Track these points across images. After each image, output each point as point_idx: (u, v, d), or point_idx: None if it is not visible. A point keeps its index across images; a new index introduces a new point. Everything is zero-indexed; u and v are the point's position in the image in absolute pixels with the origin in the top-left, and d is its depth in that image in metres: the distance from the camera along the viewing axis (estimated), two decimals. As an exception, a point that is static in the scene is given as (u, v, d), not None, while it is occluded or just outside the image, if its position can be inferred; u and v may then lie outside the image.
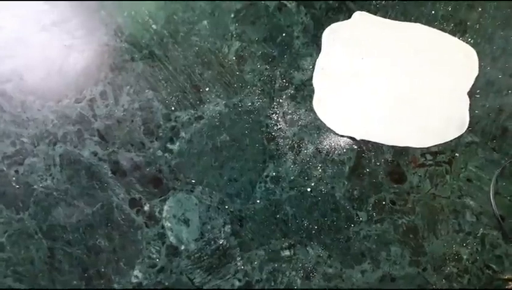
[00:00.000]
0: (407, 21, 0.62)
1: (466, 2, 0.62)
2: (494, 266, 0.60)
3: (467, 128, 0.61)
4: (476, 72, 0.62)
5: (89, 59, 0.59)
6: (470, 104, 0.61)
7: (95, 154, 0.59)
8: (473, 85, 0.61)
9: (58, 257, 0.58)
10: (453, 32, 0.62)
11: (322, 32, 0.61)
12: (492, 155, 0.61)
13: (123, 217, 0.59)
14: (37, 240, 0.58)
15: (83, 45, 0.59)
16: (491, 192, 0.60)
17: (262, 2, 0.62)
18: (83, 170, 0.58)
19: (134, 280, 0.58)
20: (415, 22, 0.62)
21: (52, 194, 0.58)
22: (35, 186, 0.58)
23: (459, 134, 0.61)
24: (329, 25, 0.61)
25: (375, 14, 0.62)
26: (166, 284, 0.58)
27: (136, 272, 0.58)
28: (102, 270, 0.58)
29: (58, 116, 0.59)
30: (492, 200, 0.60)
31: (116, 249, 0.58)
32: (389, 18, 0.62)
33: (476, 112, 0.61)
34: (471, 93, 0.61)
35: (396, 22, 0.62)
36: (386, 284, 0.59)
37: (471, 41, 0.62)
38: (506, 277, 0.60)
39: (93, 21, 0.60)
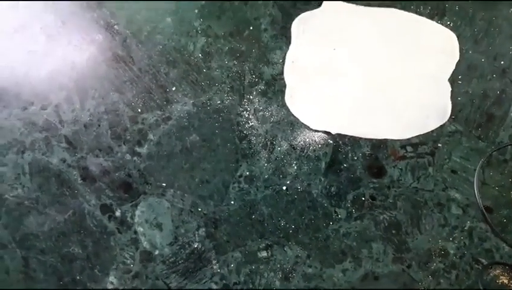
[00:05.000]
0: (380, 6, 0.59)
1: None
2: (483, 261, 0.57)
3: (450, 117, 0.58)
4: (456, 57, 0.58)
5: (52, 64, 0.58)
6: (452, 91, 0.58)
7: (64, 160, 0.58)
8: (454, 71, 0.58)
9: (32, 266, 0.58)
10: (430, 16, 0.59)
11: (291, 24, 0.59)
12: (477, 144, 0.58)
13: (95, 223, 0.58)
14: (10, 249, 0.58)
15: (45, 50, 0.58)
16: (475, 183, 0.57)
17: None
18: (52, 177, 0.58)
19: (109, 287, 0.57)
20: (389, 7, 0.59)
21: (23, 203, 0.58)
22: (6, 196, 0.58)
23: (441, 123, 0.58)
24: (298, 15, 0.59)
25: (347, 1, 0.59)
26: (143, 289, 0.57)
27: (111, 279, 0.58)
28: (77, 277, 0.58)
29: (25, 123, 0.58)
30: (476, 191, 0.57)
31: (90, 256, 0.58)
32: (361, 4, 0.59)
33: (459, 99, 0.58)
34: (452, 80, 0.58)
35: (369, 8, 0.59)
36: (369, 283, 0.57)
37: (451, 24, 0.59)
38: (497, 272, 0.57)
39: (54, 26, 0.59)
